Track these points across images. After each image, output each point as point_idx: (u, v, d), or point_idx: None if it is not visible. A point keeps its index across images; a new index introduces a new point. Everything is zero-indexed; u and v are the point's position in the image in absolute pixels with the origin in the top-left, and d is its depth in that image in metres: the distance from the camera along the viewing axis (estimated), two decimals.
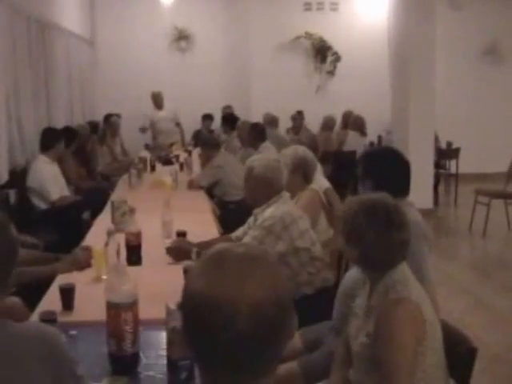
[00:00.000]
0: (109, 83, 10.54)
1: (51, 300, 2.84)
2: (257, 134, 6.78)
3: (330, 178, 6.76)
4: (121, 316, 2.19)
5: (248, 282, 1.17)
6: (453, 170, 9.50)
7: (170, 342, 2.16)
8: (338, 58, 11.01)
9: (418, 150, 7.91)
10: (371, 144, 9.73)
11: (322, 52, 10.99)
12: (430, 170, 8.27)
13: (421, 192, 8.09)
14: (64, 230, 5.31)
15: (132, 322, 2.20)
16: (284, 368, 2.63)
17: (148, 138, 9.78)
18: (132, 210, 3.61)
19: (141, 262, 3.49)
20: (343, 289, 2.73)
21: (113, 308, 2.20)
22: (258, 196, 3.59)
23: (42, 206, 5.74)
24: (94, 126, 7.84)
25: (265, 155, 3.94)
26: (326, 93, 11.07)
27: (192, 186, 6.02)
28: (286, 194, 3.60)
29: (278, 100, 10.38)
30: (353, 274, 2.65)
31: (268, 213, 3.46)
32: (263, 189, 3.55)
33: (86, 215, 5.96)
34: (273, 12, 10.79)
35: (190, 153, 8.41)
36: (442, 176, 9.53)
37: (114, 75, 10.59)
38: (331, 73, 11.14)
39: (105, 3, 10.79)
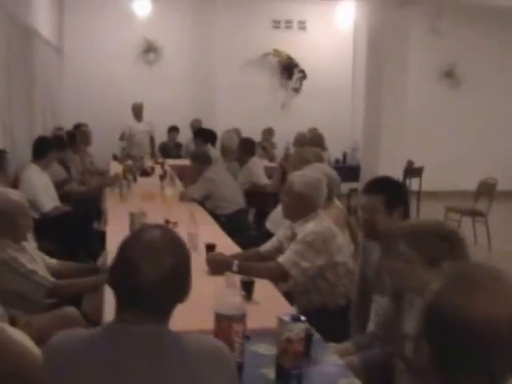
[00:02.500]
0: (74, 91, 10.41)
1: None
2: (247, 148, 6.91)
3: None
4: (232, 328, 2.26)
5: (505, 300, 1.28)
6: (413, 187, 9.89)
7: (283, 352, 2.25)
8: (304, 76, 11.30)
9: (388, 170, 8.22)
10: (337, 161, 10.00)
11: (288, 69, 11.26)
12: None
13: None
14: (62, 240, 5.27)
15: (241, 333, 2.28)
16: None
17: (116, 149, 9.69)
18: (175, 224, 3.65)
19: None
20: None
21: (225, 320, 2.27)
22: (296, 211, 3.71)
23: (35, 216, 5.62)
24: (71, 135, 7.72)
25: (307, 172, 4.03)
26: (290, 109, 11.35)
27: (184, 198, 6.01)
28: (321, 211, 3.73)
29: (243, 115, 10.59)
30: None
31: (309, 228, 3.58)
32: (301, 205, 3.67)
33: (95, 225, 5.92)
34: (242, 28, 10.99)
35: (162, 165, 8.44)
36: None
37: (79, 83, 10.47)
38: (297, 90, 11.43)
39: (74, 10, 10.64)
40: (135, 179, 7.25)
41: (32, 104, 7.11)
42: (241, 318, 2.28)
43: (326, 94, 11.09)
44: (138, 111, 9.77)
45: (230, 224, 5.84)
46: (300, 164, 5.35)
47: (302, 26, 11.43)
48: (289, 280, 3.56)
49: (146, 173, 7.73)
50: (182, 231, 3.93)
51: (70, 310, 3.25)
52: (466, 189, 8.65)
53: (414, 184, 9.78)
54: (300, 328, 2.25)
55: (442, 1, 8.47)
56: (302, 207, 3.67)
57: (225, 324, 2.27)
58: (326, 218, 3.75)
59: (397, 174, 8.54)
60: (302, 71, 11.28)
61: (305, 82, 11.31)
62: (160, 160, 8.91)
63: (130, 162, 8.20)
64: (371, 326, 2.99)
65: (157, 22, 10.74)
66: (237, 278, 2.49)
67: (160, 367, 1.61)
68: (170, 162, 8.89)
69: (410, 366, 2.46)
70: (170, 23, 10.85)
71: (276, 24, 11.33)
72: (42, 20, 8.42)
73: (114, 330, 1.69)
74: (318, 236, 3.53)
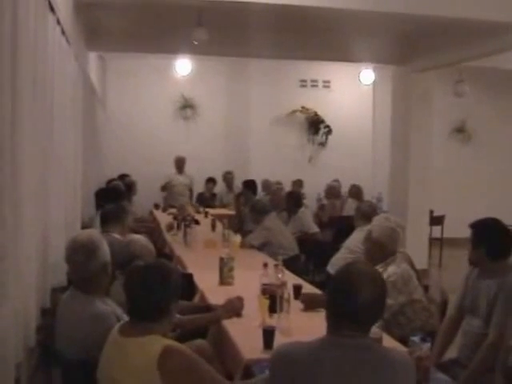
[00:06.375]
0: (115, 143, 11.03)
1: (243, 342, 3.31)
2: (295, 200, 7.56)
3: (333, 240, 7.54)
4: None
5: None
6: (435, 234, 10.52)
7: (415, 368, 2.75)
8: (329, 131, 12.11)
9: (415, 220, 8.90)
10: None
11: (315, 125, 12.07)
12: (426, 236, 9.27)
13: (418, 255, 9.03)
14: None
15: None
16: None
17: (156, 198, 10.30)
18: (276, 266, 4.22)
19: (276, 310, 3.81)
20: None
21: None
22: (376, 255, 4.30)
23: None
24: (129, 185, 8.31)
25: (383, 221, 4.61)
26: (317, 162, 12.13)
27: (244, 245, 6.51)
28: (398, 256, 4.34)
29: (273, 167, 11.33)
30: None
31: (391, 270, 4.15)
32: (379, 250, 4.27)
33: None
34: (272, 87, 11.83)
35: (206, 214, 9.02)
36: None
37: (120, 136, 11.15)
38: (323, 144, 12.22)
39: (117, 67, 11.34)
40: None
41: (96, 156, 7.73)
42: (379, 340, 2.82)
43: (349, 147, 11.93)
44: (180, 164, 10.40)
45: (286, 269, 6.40)
46: (359, 216, 6.01)
47: (327, 84, 12.32)
48: None
49: (196, 221, 8.28)
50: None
51: (202, 343, 3.60)
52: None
53: (435, 232, 10.45)
54: (427, 347, 2.75)
55: (462, 66, 9.21)
56: (380, 252, 4.25)
57: None
58: (403, 261, 4.36)
59: (424, 223, 9.21)
60: (328, 126, 12.09)
61: (330, 137, 12.14)
62: (201, 209, 9.49)
63: (174, 211, 8.77)
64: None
65: (194, 80, 11.51)
66: None
67: (374, 373, 2.01)
68: (210, 211, 9.41)
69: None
70: (206, 82, 11.62)
71: (303, 83, 12.19)
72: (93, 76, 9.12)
73: (334, 342, 2.06)
74: (398, 276, 4.07)
